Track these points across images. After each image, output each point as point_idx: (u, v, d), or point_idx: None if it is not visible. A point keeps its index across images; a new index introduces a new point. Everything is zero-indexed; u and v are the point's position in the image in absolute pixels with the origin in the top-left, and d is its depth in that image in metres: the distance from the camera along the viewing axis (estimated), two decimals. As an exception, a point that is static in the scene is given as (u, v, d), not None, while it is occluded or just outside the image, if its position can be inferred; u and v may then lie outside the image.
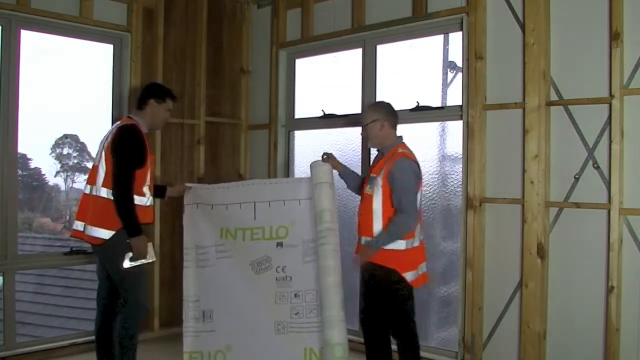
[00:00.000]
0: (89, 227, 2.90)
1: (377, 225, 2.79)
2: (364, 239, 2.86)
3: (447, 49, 3.79)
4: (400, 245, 2.74)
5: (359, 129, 4.05)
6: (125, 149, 2.87)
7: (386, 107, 3.03)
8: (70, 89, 4.12)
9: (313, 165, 3.08)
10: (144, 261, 2.93)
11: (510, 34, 3.33)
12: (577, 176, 3.11)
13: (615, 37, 2.94)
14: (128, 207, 2.83)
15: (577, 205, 3.11)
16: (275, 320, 3.09)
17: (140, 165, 2.93)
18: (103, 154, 2.92)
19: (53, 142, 5.65)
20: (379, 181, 2.81)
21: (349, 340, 2.87)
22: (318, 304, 2.92)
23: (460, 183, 3.59)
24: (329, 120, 4.30)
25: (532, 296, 3.20)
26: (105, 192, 2.87)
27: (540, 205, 3.17)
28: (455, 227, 3.67)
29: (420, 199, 2.92)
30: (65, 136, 5.68)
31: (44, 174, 5.50)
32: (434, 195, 3.78)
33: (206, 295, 3.22)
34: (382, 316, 2.84)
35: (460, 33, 3.54)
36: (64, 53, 4.03)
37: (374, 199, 2.82)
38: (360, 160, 4.09)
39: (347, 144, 4.23)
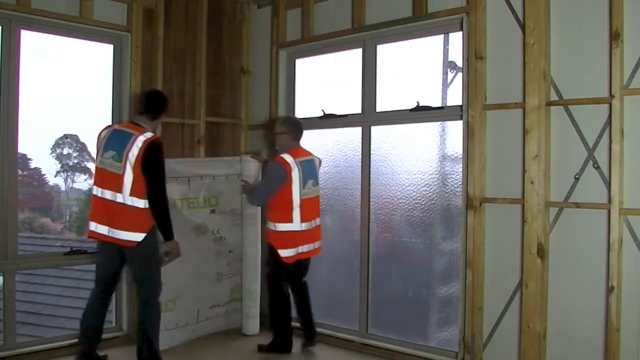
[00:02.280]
0: (119, 231, 3.15)
1: (267, 210, 3.77)
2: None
3: (447, 49, 3.79)
4: (277, 227, 3.66)
5: (359, 129, 4.09)
6: (161, 164, 3.18)
7: (294, 122, 3.87)
8: (70, 89, 4.11)
9: (243, 160, 4.23)
10: (172, 260, 3.34)
11: (510, 34, 3.33)
12: (577, 176, 3.11)
13: (615, 37, 2.93)
14: (168, 215, 3.20)
15: (577, 205, 3.11)
16: (216, 271, 4.23)
17: None
18: (129, 165, 3.10)
19: (53, 142, 5.65)
20: None
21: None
22: (243, 258, 4.28)
23: (460, 183, 3.59)
24: (329, 120, 4.31)
25: (532, 296, 3.20)
26: (136, 201, 3.12)
27: (540, 205, 3.18)
28: (455, 227, 3.67)
29: (302, 193, 3.68)
30: (65, 136, 5.68)
31: (44, 174, 5.49)
32: (434, 195, 3.78)
33: None
34: (273, 275, 3.76)
35: (461, 33, 3.54)
36: (64, 53, 4.03)
37: None
38: (361, 160, 4.10)
39: (347, 144, 4.23)
